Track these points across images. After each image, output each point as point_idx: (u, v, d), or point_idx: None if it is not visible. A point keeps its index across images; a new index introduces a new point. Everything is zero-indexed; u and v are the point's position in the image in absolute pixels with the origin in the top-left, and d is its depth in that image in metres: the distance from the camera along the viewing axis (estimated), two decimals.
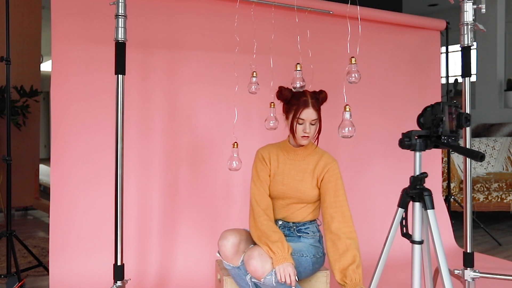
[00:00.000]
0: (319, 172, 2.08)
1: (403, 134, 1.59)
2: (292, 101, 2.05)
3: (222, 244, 1.96)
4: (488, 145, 5.09)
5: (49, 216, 2.61)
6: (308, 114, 2.01)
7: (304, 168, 2.10)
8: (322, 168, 2.08)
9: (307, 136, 2.03)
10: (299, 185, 2.07)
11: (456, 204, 4.06)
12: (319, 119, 2.06)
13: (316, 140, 2.13)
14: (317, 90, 2.10)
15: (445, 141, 1.53)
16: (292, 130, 2.04)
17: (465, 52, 2.33)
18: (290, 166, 2.11)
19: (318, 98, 2.06)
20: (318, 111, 2.04)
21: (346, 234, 1.99)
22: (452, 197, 3.95)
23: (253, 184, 2.12)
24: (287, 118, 2.08)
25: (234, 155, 2.21)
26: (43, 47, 5.36)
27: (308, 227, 2.12)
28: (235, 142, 2.22)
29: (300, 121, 2.02)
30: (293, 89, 2.02)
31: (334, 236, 1.99)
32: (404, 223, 1.60)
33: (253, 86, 2.23)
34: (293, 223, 2.11)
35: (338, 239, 1.98)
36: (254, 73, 2.22)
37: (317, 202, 2.13)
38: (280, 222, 2.13)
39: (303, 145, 2.09)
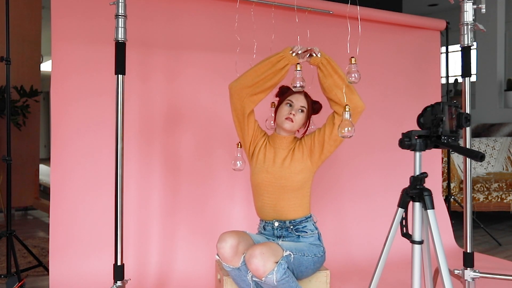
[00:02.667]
0: (299, 145, 2.13)
1: (403, 134, 1.59)
2: (287, 91, 2.15)
3: (221, 247, 1.96)
4: (488, 145, 5.09)
5: (49, 216, 2.60)
6: (298, 98, 2.10)
7: (285, 155, 2.12)
8: (300, 141, 2.14)
9: (291, 119, 2.07)
10: (283, 172, 2.09)
11: (456, 204, 4.06)
12: (308, 114, 2.13)
13: (302, 136, 2.18)
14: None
15: (445, 141, 1.53)
16: (277, 111, 2.12)
17: (465, 52, 2.33)
18: (274, 155, 2.13)
19: (313, 102, 2.16)
20: (308, 102, 2.12)
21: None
22: (452, 197, 3.95)
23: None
24: (276, 110, 2.16)
25: (238, 155, 2.22)
26: (43, 47, 5.36)
27: (306, 225, 2.12)
28: (239, 142, 2.22)
29: (288, 102, 2.09)
30: (293, 89, 2.03)
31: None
32: (404, 223, 1.60)
33: None
34: (289, 222, 2.11)
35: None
36: None
37: (303, 191, 2.13)
38: (276, 224, 2.13)
39: (286, 131, 2.12)
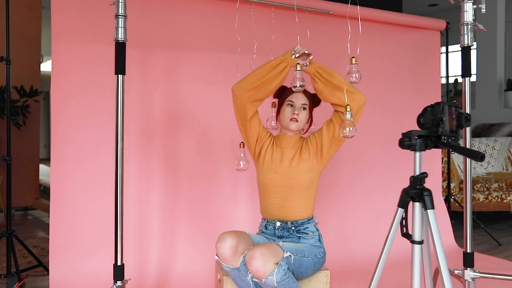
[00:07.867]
0: (306, 145, 2.13)
1: (403, 134, 1.59)
2: (285, 91, 2.15)
3: (220, 247, 1.96)
4: (488, 145, 5.09)
5: (49, 216, 2.60)
6: (299, 97, 2.10)
7: (292, 155, 2.13)
8: (306, 141, 2.14)
9: (296, 119, 2.08)
10: (291, 172, 2.09)
11: (456, 204, 4.06)
12: (310, 109, 2.13)
13: (306, 132, 2.18)
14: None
15: (445, 141, 1.53)
16: (280, 113, 2.12)
17: (465, 52, 2.33)
18: (281, 155, 2.14)
19: (313, 96, 2.16)
20: (308, 98, 2.13)
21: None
22: (452, 197, 3.95)
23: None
24: (278, 111, 2.17)
25: (241, 155, 2.22)
26: (43, 47, 5.36)
27: (307, 227, 2.12)
28: (242, 142, 2.22)
29: (289, 103, 2.10)
30: (293, 89, 2.03)
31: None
32: (404, 223, 1.60)
33: None
34: (291, 223, 2.11)
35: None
36: None
37: (310, 191, 2.13)
38: (278, 224, 2.13)
39: (293, 131, 2.12)
